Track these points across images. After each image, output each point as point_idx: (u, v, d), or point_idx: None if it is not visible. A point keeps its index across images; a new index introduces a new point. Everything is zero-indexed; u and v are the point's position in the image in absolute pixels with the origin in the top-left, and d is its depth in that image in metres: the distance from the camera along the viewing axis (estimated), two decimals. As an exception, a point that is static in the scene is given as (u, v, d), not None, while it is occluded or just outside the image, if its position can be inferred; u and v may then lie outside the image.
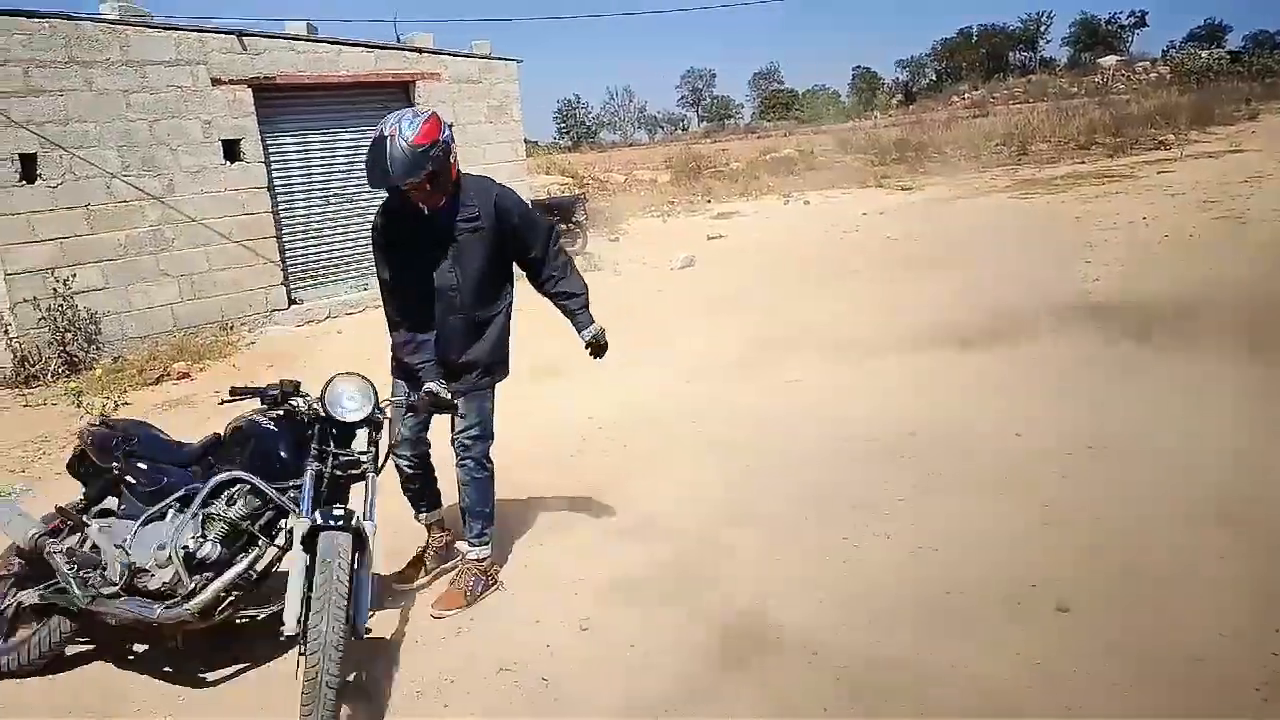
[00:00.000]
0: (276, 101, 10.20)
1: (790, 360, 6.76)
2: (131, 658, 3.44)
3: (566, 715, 2.92)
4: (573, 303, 3.66)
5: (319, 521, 2.93)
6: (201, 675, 3.27)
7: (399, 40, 11.85)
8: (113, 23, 8.98)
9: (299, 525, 2.97)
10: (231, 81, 9.68)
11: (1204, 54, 37.80)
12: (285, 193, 10.42)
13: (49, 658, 3.30)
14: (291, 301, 10.35)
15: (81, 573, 3.13)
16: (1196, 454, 4.25)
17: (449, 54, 12.00)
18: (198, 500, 3.10)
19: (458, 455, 3.68)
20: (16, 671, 3.32)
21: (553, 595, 3.67)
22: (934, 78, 75.95)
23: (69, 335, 8.36)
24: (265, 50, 9.99)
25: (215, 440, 3.43)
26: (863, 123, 42.16)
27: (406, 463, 3.75)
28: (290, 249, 10.46)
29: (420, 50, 11.65)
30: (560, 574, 3.83)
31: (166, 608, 3.01)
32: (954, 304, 7.80)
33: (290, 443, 3.20)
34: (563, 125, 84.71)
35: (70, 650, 3.40)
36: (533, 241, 3.61)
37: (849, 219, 15.16)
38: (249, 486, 3.12)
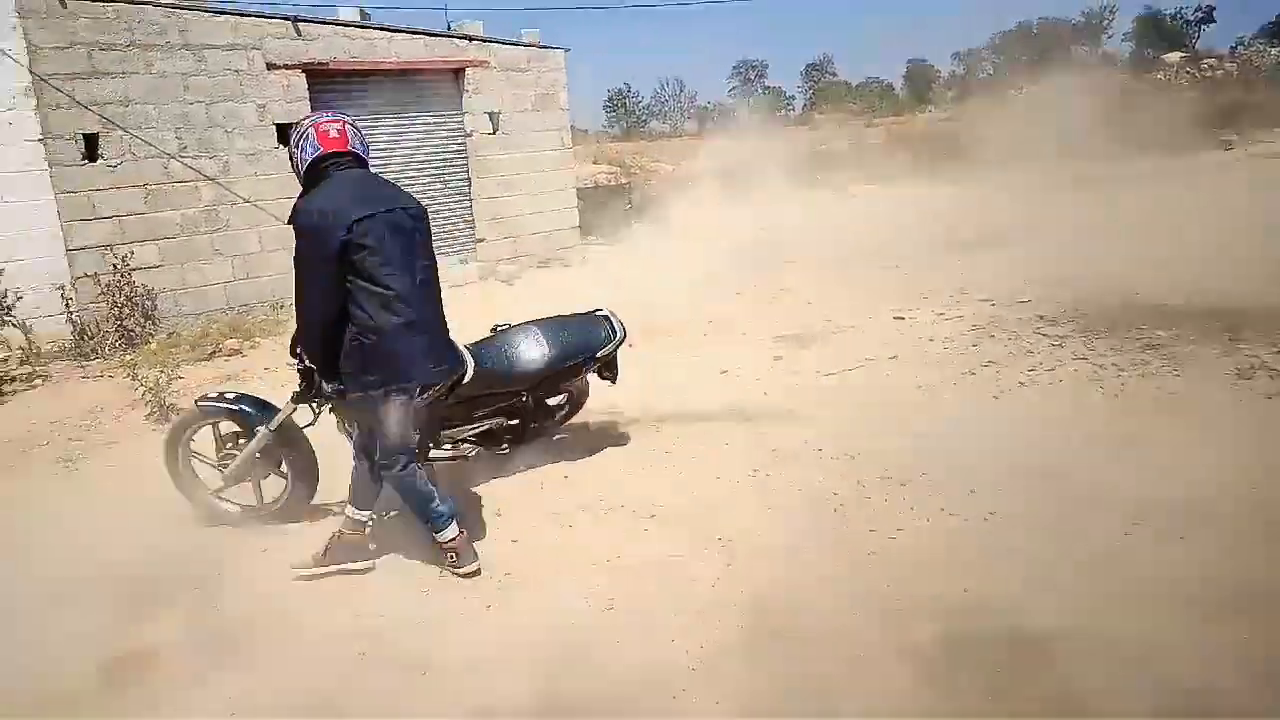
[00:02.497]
0: (328, 87, 10.39)
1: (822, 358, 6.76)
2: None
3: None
4: None
5: None
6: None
7: (449, 28, 11.98)
8: (172, 6, 9.23)
9: None
10: (286, 66, 9.90)
11: (1274, 50, 36.44)
12: (335, 176, 10.63)
13: None
14: (339, 283, 10.54)
15: None
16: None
17: (498, 42, 12.11)
18: None
19: None
20: None
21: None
22: (991, 71, 74.27)
23: (126, 310, 8.63)
24: (318, 36, 10.19)
25: None
26: (917, 116, 41.47)
27: None
28: (339, 231, 10.65)
29: (470, 38, 11.77)
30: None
31: None
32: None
33: None
34: (612, 114, 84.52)
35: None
36: None
37: (898, 213, 14.98)
38: None
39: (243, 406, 4.28)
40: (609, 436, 5.34)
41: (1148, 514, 3.74)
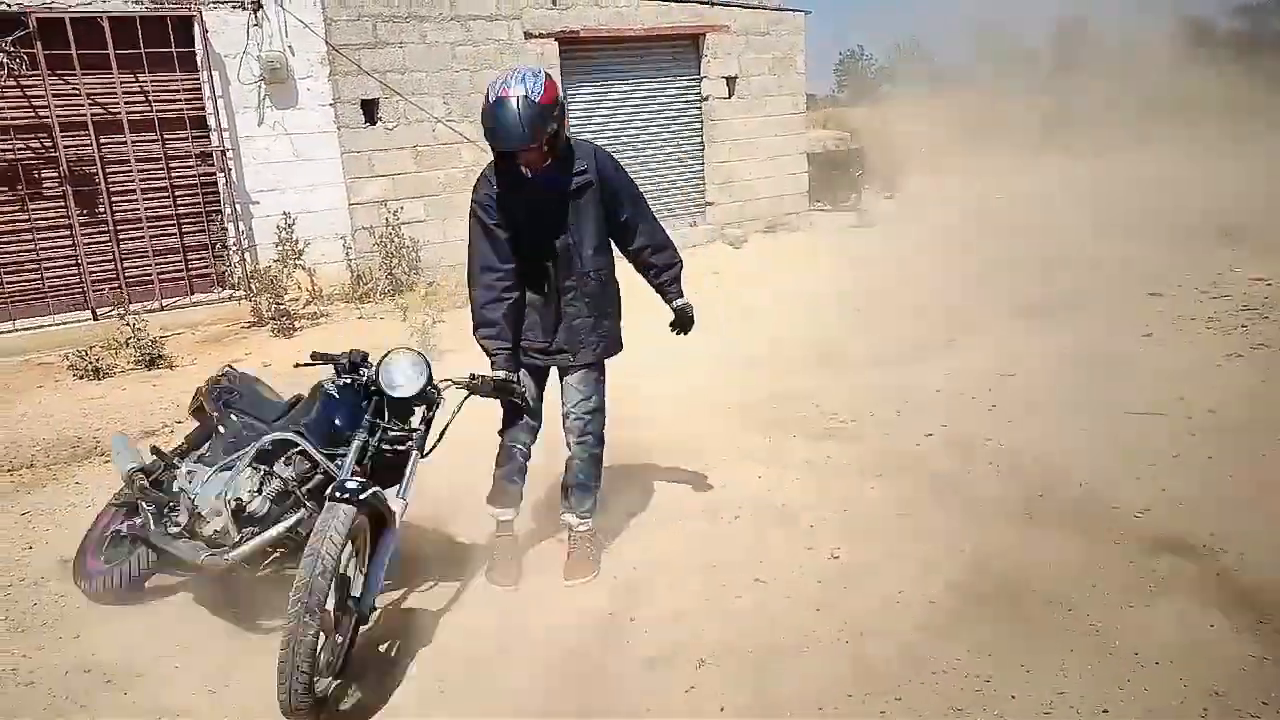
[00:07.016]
0: (577, 54, 10.93)
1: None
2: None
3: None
4: (664, 275, 3.70)
5: (332, 491, 2.91)
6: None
7: (693, -7, 12.17)
8: (447, -20, 10.02)
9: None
10: (540, 35, 10.49)
11: None
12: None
13: (129, 587, 3.51)
14: (576, 242, 11.16)
15: (158, 510, 3.31)
16: None
17: (739, 6, 12.18)
18: (248, 456, 3.18)
19: (575, 431, 3.69)
20: (99, 596, 3.56)
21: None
22: (1285, 25, 65.05)
23: (395, 260, 9.58)
24: (572, 5, 10.70)
25: (295, 400, 3.56)
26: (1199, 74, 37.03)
27: (521, 448, 3.69)
28: (579, 193, 11.26)
29: (712, 3, 11.92)
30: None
31: (210, 554, 3.09)
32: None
33: (346, 411, 3.23)
34: (843, 78, 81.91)
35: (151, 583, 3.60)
36: (626, 202, 3.61)
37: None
38: (300, 449, 3.17)
39: None
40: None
41: None
